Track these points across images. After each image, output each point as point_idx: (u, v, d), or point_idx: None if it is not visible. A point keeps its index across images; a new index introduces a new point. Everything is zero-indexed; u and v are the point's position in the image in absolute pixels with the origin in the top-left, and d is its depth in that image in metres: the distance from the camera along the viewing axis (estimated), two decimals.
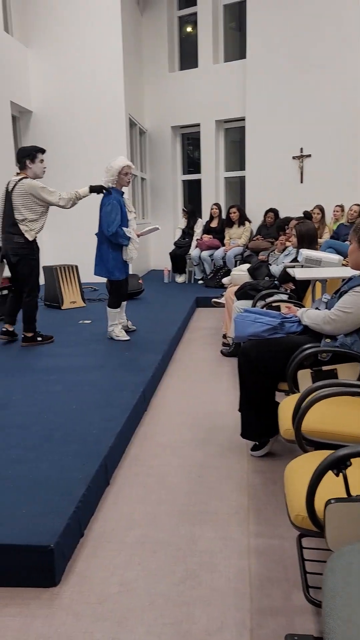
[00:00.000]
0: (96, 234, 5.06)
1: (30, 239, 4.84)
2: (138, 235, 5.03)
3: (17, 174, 4.94)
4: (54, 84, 9.28)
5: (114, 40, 8.97)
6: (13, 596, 1.92)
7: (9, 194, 4.85)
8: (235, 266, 8.33)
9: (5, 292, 6.31)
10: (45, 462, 2.64)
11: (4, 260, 5.01)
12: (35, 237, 4.89)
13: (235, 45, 10.52)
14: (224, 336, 5.39)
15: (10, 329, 5.22)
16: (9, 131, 8.41)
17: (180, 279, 9.53)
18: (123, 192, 5.05)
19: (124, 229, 4.85)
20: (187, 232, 9.60)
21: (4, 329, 5.21)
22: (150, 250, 11.46)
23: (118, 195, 4.91)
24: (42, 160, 4.95)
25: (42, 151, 4.97)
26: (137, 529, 2.31)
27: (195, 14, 10.42)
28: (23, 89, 9.02)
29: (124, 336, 5.17)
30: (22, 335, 5.10)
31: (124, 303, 5.26)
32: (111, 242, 4.90)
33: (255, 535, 2.25)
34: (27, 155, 4.87)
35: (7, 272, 5.25)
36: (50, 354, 4.74)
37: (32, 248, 4.90)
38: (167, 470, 2.83)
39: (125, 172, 4.90)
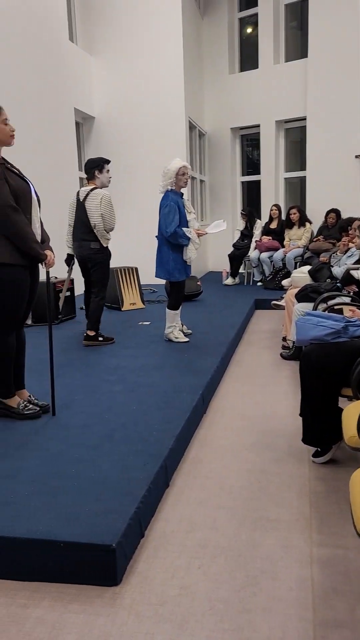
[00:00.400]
0: (156, 237, 5.11)
1: (105, 245, 5.14)
2: (201, 235, 5.01)
3: (87, 184, 5.25)
4: (116, 90, 9.46)
5: (175, 45, 9.04)
6: (77, 593, 1.96)
7: (81, 203, 5.11)
8: (295, 268, 8.21)
9: (68, 293, 6.49)
10: (107, 461, 2.69)
11: (72, 268, 5.35)
12: (107, 243, 5.17)
13: (297, 45, 10.38)
14: (284, 339, 5.32)
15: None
16: (73, 137, 8.63)
17: (228, 281, 9.42)
18: (182, 194, 5.08)
19: (184, 229, 4.87)
20: (246, 234, 9.54)
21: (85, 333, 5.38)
22: (208, 251, 11.47)
23: (176, 197, 4.94)
24: (108, 170, 5.24)
25: (108, 162, 5.27)
26: (197, 532, 2.31)
27: (256, 14, 10.36)
28: (86, 95, 9.23)
29: (182, 338, 5.19)
30: (85, 334, 5.24)
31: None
32: (171, 243, 4.93)
33: (317, 544, 2.20)
34: (95, 166, 5.16)
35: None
36: (111, 354, 4.82)
37: (107, 254, 5.19)
38: (227, 474, 2.82)
39: (182, 172, 4.92)
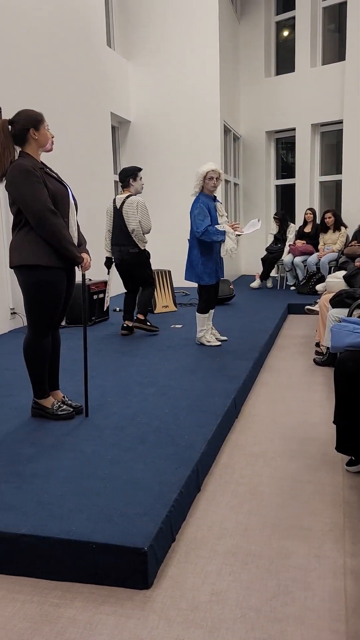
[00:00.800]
0: (188, 240, 5.13)
1: (142, 248, 5.50)
2: (236, 228, 4.95)
3: (122, 191, 5.60)
4: (152, 94, 9.52)
5: (211, 49, 9.06)
6: (109, 595, 1.97)
7: (118, 210, 5.44)
8: (330, 272, 8.11)
9: (101, 295, 6.55)
10: (140, 463, 2.70)
11: (109, 272, 5.70)
12: (145, 245, 5.55)
13: (334, 48, 10.27)
14: (317, 345, 5.26)
15: (130, 325, 5.84)
16: (109, 141, 8.72)
17: (254, 283, 9.35)
18: (215, 197, 5.08)
19: (216, 225, 4.87)
20: (280, 238, 9.47)
21: (124, 325, 5.81)
22: (241, 255, 11.43)
23: (207, 200, 4.94)
24: (141, 178, 5.57)
25: (141, 169, 5.59)
26: (228, 538, 2.30)
27: (293, 18, 10.29)
28: (123, 100, 9.32)
29: (214, 342, 5.18)
30: (135, 317, 5.78)
31: (212, 310, 5.27)
32: (201, 247, 4.94)
33: (351, 555, 2.16)
34: (130, 175, 5.56)
35: (99, 276, 5.65)
36: (143, 357, 4.84)
37: (146, 255, 5.57)
38: (259, 481, 2.80)
39: (210, 176, 4.90)
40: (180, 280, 9.22)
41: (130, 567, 2.01)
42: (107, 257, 5.67)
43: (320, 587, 1.98)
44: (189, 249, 5.08)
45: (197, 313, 5.22)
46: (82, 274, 3.32)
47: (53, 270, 3.13)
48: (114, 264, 5.69)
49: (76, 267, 3.32)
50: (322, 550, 2.20)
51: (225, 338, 5.45)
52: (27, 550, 2.10)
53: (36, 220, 3.00)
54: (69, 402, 3.49)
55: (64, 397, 3.52)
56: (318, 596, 1.94)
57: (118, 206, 5.45)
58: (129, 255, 5.48)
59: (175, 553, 2.21)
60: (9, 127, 3.04)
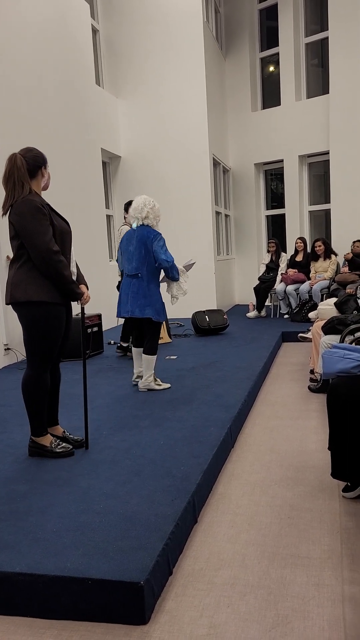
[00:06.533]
0: (137, 274, 4.70)
1: None
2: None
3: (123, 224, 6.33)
4: (142, 130, 9.74)
5: (198, 86, 9.31)
6: (105, 632, 1.95)
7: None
8: (322, 300, 8.19)
9: (95, 329, 6.59)
10: (135, 497, 2.68)
11: None
12: None
13: (318, 81, 10.58)
14: (312, 372, 5.28)
15: (125, 345, 6.46)
16: (100, 176, 8.88)
17: (251, 314, 9.41)
18: (133, 226, 4.74)
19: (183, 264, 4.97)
20: (272, 267, 9.56)
21: (118, 344, 6.57)
22: (235, 285, 11.53)
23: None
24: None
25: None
26: (226, 569, 2.28)
27: (277, 54, 10.61)
28: (113, 136, 9.53)
29: (165, 384, 4.85)
30: (119, 344, 6.53)
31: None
32: (155, 280, 4.72)
33: (349, 582, 2.15)
34: (125, 210, 6.35)
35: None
36: (137, 389, 4.84)
37: None
38: (256, 510, 2.78)
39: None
40: (172, 312, 9.27)
41: (126, 602, 1.98)
42: None
43: (320, 615, 1.96)
44: (143, 283, 4.62)
45: (145, 355, 4.71)
46: (81, 308, 3.35)
47: (56, 306, 3.17)
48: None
49: (76, 302, 3.36)
50: (321, 578, 2.18)
51: (168, 385, 4.91)
52: (22, 589, 2.07)
53: (40, 258, 3.05)
54: (70, 436, 3.48)
55: (64, 431, 3.50)
56: (317, 625, 1.91)
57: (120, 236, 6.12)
58: None
59: (173, 587, 2.19)
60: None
